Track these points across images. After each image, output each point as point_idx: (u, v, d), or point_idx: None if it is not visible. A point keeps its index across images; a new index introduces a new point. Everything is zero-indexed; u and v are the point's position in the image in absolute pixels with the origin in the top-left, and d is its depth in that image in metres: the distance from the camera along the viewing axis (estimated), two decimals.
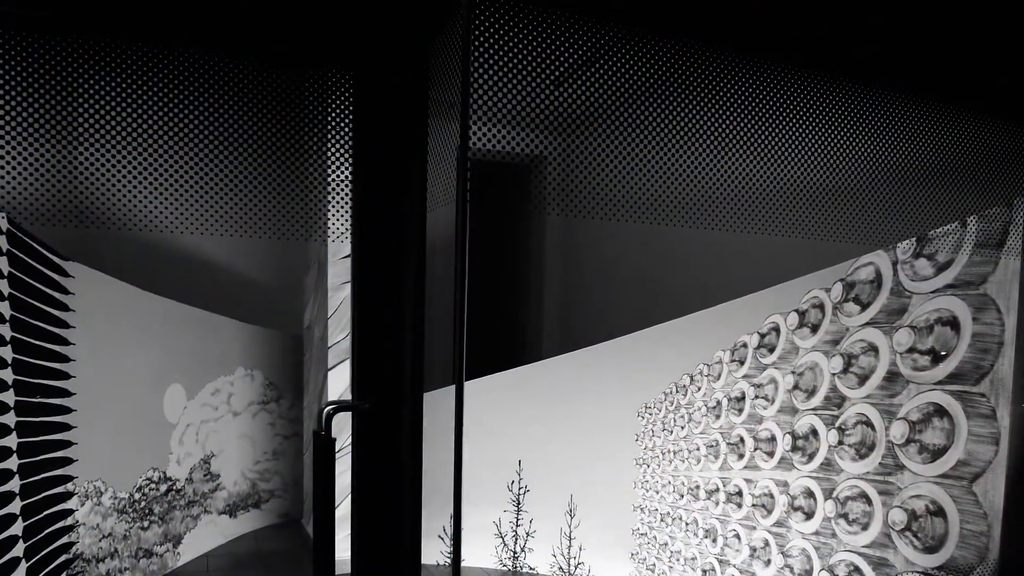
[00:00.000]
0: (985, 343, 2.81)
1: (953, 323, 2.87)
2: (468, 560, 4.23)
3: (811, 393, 3.37)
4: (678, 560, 3.99)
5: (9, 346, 3.47)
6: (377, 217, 2.12)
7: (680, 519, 3.99)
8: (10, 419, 3.49)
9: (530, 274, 7.63)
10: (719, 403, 3.81)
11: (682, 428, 3.95)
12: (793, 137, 2.37)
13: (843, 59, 2.39)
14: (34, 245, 3.63)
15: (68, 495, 4.06)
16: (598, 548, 4.14)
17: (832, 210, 2.48)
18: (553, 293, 7.51)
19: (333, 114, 2.11)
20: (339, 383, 5.36)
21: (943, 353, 2.90)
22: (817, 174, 2.43)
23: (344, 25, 2.06)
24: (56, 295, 3.86)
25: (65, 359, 3.96)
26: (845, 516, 3.23)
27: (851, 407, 3.20)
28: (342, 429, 4.63)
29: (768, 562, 3.59)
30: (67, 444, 4.02)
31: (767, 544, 3.60)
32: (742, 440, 3.71)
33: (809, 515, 3.39)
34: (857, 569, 3.19)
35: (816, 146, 2.42)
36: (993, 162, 2.72)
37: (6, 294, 3.41)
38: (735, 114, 2.29)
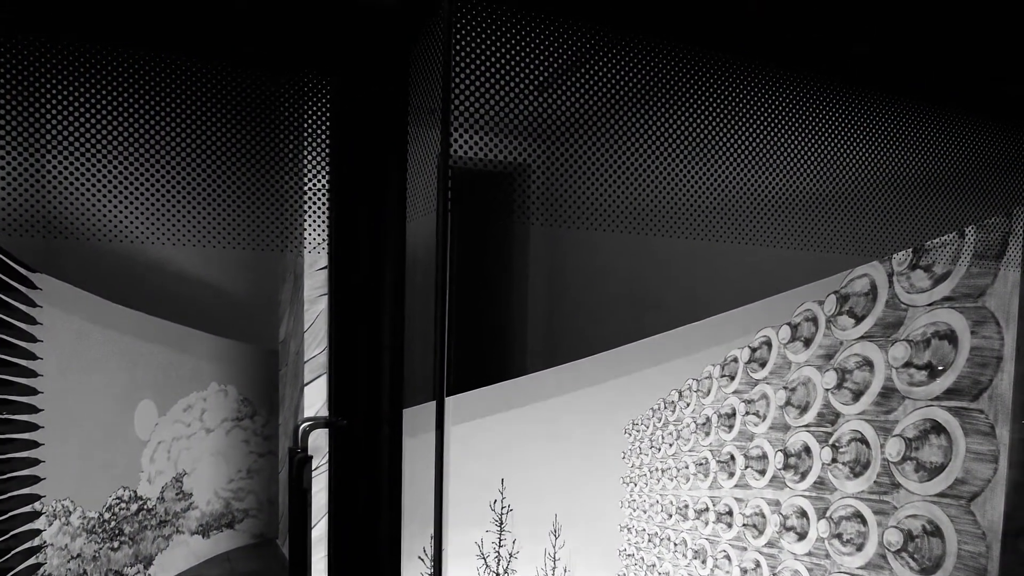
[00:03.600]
0: (984, 358, 2.81)
1: (951, 337, 2.87)
2: None
3: (804, 409, 3.36)
4: None
5: None
6: (355, 227, 2.11)
7: (668, 539, 3.98)
8: None
9: (514, 286, 7.62)
10: (708, 420, 3.80)
11: (670, 446, 3.94)
12: (785, 144, 2.37)
13: (836, 62, 2.38)
14: None
15: (35, 515, 4.04)
16: (584, 569, 4.13)
17: (826, 220, 2.48)
18: (538, 305, 7.50)
19: (310, 121, 2.10)
20: (315, 399, 5.35)
21: (940, 368, 2.90)
22: (810, 183, 2.43)
23: (321, 29, 2.06)
24: (23, 308, 3.84)
25: (33, 374, 3.94)
26: (839, 536, 3.22)
27: (845, 424, 3.19)
28: (319, 447, 4.61)
29: None
30: (34, 462, 3.99)
31: (758, 565, 3.59)
32: (732, 458, 3.70)
33: (802, 535, 3.38)
34: None
35: (809, 153, 2.42)
36: (992, 170, 2.72)
37: None
38: (725, 120, 2.29)
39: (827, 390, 3.27)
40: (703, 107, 2.24)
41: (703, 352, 3.88)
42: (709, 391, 3.81)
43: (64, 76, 1.83)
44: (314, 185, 2.10)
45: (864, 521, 3.13)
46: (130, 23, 1.89)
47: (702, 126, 2.24)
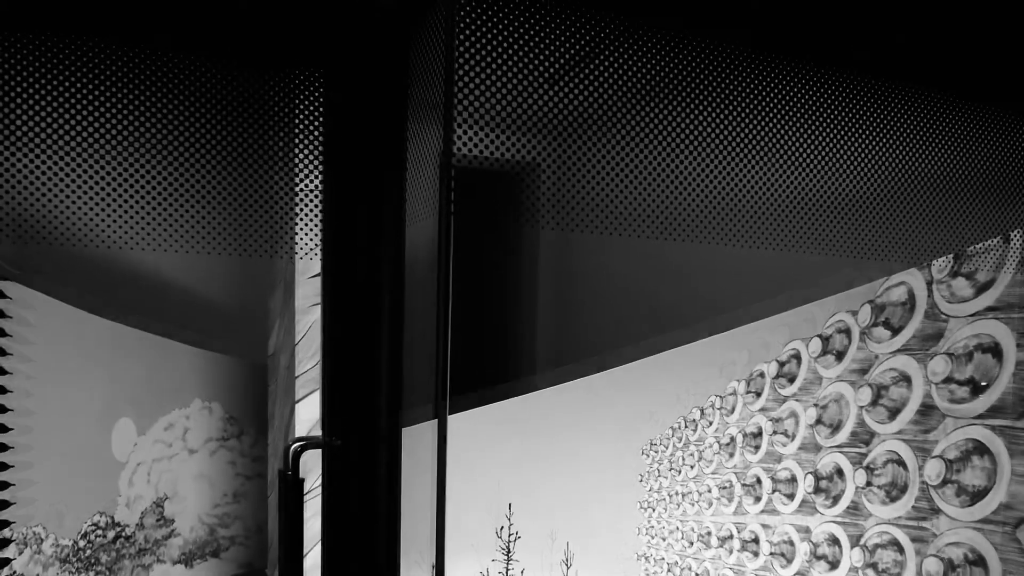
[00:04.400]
0: None
1: (995, 350, 2.86)
2: None
3: (836, 428, 3.35)
4: None
5: None
6: (351, 231, 2.11)
7: (690, 569, 3.97)
8: None
9: (522, 295, 7.60)
10: (733, 440, 3.79)
11: (692, 467, 3.93)
12: (817, 143, 2.37)
13: (874, 56, 2.38)
14: None
15: (5, 542, 4.04)
16: None
17: (859, 224, 2.48)
18: (548, 317, 7.48)
19: (301, 117, 2.10)
20: (308, 417, 5.34)
21: (984, 383, 2.89)
22: (842, 184, 2.43)
23: (313, 18, 2.06)
24: None
25: (2, 390, 3.94)
26: (874, 566, 3.21)
27: (881, 444, 3.18)
28: (311, 468, 4.61)
29: None
30: (3, 485, 3.99)
31: None
32: (759, 481, 3.69)
33: (834, 565, 3.37)
34: None
35: (841, 152, 2.42)
36: None
37: None
38: (752, 116, 2.28)
39: (861, 407, 3.26)
40: (728, 103, 2.24)
41: (726, 367, 3.87)
42: (733, 408, 3.80)
43: (38, 71, 1.83)
44: (306, 186, 2.10)
45: (901, 549, 3.12)
46: (108, 15, 1.90)
47: (727, 123, 2.24)
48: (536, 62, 1.92)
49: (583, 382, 4.14)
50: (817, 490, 3.43)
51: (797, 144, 2.33)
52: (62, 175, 1.86)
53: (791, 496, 3.55)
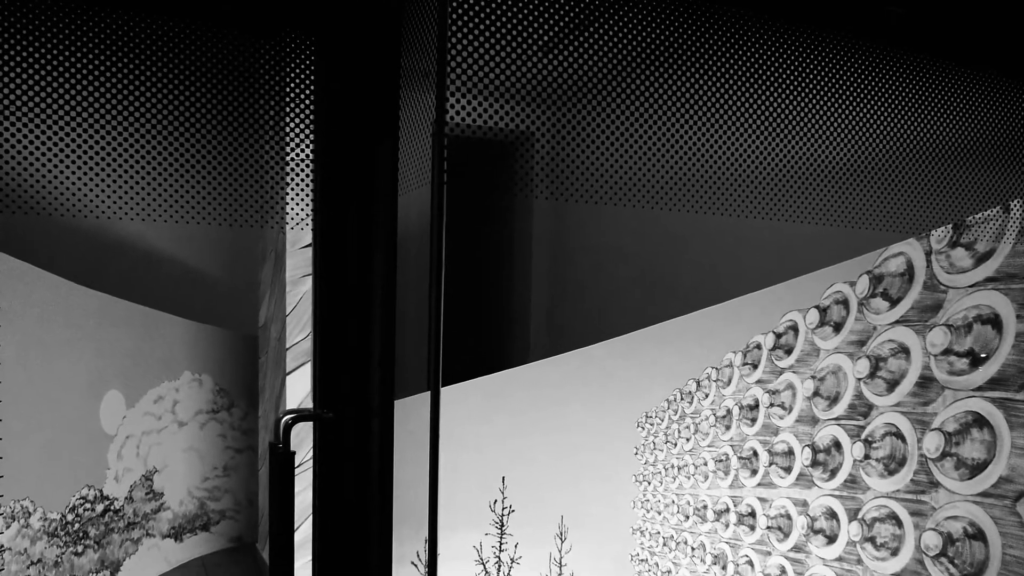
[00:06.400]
0: None
1: (994, 321, 2.86)
2: None
3: (833, 400, 3.36)
4: None
5: None
6: (342, 201, 2.11)
7: (685, 543, 3.98)
8: None
9: (515, 266, 7.61)
10: (729, 412, 3.79)
11: (687, 440, 3.93)
12: (815, 109, 2.36)
13: (871, 20, 2.38)
14: None
15: None
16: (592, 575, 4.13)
17: (858, 193, 2.47)
18: (542, 287, 7.49)
19: (292, 85, 2.09)
20: (299, 389, 5.35)
21: (983, 355, 2.89)
22: (841, 152, 2.43)
23: None
24: None
25: None
26: (872, 540, 3.22)
27: (879, 416, 3.19)
28: (302, 441, 4.61)
29: None
30: None
31: (784, 571, 3.59)
32: (755, 454, 3.70)
33: (831, 539, 3.38)
34: None
35: (840, 120, 2.41)
36: None
37: None
38: (750, 83, 2.28)
39: (859, 379, 3.26)
40: (725, 69, 2.23)
41: (722, 338, 3.87)
42: (730, 380, 3.81)
43: (23, 38, 1.82)
44: (297, 155, 2.09)
45: (900, 523, 3.13)
46: None
47: (724, 90, 2.24)
48: (530, 29, 1.92)
49: (577, 354, 4.15)
50: (814, 463, 3.44)
51: (794, 112, 2.33)
52: (49, 144, 1.86)
53: (788, 469, 3.56)
